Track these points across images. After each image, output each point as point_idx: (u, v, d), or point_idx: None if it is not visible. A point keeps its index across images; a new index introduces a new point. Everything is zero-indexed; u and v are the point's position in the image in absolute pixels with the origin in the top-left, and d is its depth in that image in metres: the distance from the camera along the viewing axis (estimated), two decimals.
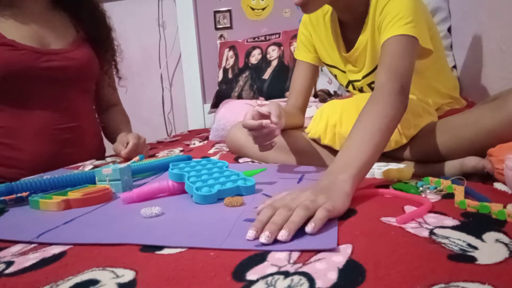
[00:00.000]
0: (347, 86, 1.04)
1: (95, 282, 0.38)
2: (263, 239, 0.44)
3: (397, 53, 0.75)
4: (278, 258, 0.40)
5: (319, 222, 0.47)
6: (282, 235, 0.44)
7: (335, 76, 1.06)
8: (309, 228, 0.46)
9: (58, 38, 1.14)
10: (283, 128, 0.82)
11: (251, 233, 0.46)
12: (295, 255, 0.41)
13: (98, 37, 1.24)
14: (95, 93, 1.29)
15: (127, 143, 1.06)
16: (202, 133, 1.76)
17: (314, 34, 1.03)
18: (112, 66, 1.31)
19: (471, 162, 0.70)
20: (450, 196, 0.60)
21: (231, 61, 2.03)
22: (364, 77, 0.95)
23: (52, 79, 1.08)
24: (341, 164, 0.60)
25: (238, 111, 1.47)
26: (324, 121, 0.85)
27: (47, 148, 1.07)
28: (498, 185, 0.64)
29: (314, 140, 0.89)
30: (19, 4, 1.10)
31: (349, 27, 0.94)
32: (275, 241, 0.44)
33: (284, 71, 1.89)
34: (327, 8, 0.98)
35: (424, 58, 0.84)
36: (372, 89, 0.96)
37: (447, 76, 1.04)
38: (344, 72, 1.01)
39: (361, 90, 1.00)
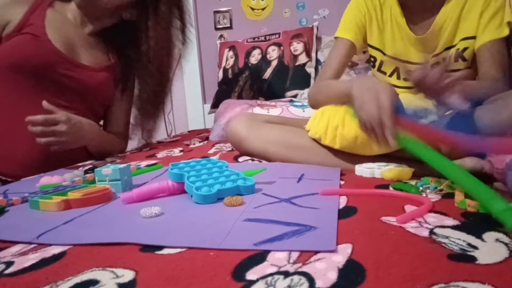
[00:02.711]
0: (391, 75, 1.05)
1: (95, 282, 0.38)
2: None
3: (504, 54, 0.93)
4: (278, 258, 0.40)
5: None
6: None
7: (381, 62, 1.06)
8: None
9: (88, 57, 1.17)
10: None
11: None
12: (295, 255, 0.41)
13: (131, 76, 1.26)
14: (105, 117, 1.30)
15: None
16: (202, 133, 1.76)
17: (370, 20, 1.05)
18: (131, 99, 1.32)
19: (470, 163, 0.70)
20: (450, 195, 0.60)
21: (231, 61, 2.03)
22: (433, 56, 0.99)
23: (64, 87, 1.10)
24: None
25: (238, 111, 1.48)
26: (325, 121, 0.85)
27: (42, 147, 1.06)
28: (498, 185, 0.64)
29: (314, 139, 0.89)
30: (82, 17, 1.16)
31: (416, 11, 0.99)
32: (273, 240, 0.44)
33: (284, 71, 1.89)
34: None
35: None
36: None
37: None
38: (396, 59, 1.03)
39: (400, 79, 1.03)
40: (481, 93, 0.79)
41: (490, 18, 0.92)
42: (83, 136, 1.08)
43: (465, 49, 0.95)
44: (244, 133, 0.97)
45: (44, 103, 0.99)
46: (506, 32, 0.92)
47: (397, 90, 1.01)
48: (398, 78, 1.04)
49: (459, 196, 0.56)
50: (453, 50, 0.96)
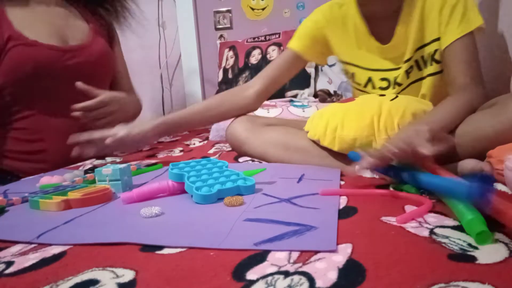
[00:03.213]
0: (365, 85, 1.03)
1: (95, 282, 0.38)
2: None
3: (472, 51, 0.86)
4: (278, 258, 0.40)
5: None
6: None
7: (353, 74, 1.05)
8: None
9: (74, 33, 1.15)
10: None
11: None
12: (295, 254, 0.41)
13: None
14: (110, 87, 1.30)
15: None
16: (202, 133, 1.76)
17: (331, 34, 1.03)
18: (119, 44, 1.31)
19: (469, 165, 0.70)
20: None
21: (231, 61, 2.03)
22: (405, 62, 0.96)
23: (75, 76, 1.08)
24: (424, 121, 0.73)
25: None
26: (324, 123, 0.85)
27: (69, 146, 1.06)
28: (498, 186, 0.64)
29: (313, 141, 0.89)
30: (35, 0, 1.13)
31: (378, 19, 0.96)
32: (274, 239, 0.44)
33: None
34: (345, 8, 1.00)
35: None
36: (407, 74, 0.97)
37: None
38: (366, 69, 1.01)
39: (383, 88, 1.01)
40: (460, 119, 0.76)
41: (449, 16, 0.87)
42: (128, 109, 1.11)
43: (435, 51, 0.92)
44: (244, 136, 0.97)
45: (79, 84, 1.00)
46: (470, 26, 0.85)
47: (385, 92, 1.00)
48: (373, 87, 1.02)
49: None
50: (425, 54, 0.94)
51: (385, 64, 0.99)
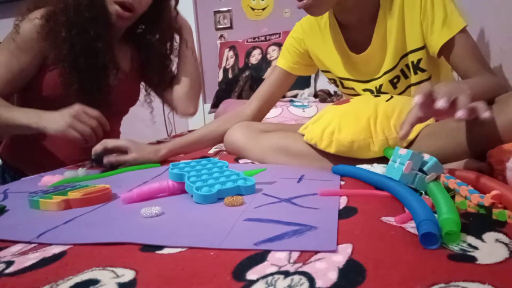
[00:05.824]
0: (353, 93, 1.04)
1: (95, 282, 0.38)
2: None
3: (468, 47, 0.85)
4: (278, 258, 0.40)
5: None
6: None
7: (341, 82, 1.05)
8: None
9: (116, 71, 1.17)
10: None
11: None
12: (295, 254, 0.41)
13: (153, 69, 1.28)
14: None
15: None
16: None
17: (311, 45, 1.05)
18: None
19: (469, 165, 0.70)
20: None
21: (231, 61, 2.03)
22: (386, 72, 0.96)
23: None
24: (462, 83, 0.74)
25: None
26: (321, 127, 0.85)
27: (76, 154, 1.13)
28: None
29: (309, 144, 0.89)
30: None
31: (353, 28, 0.96)
32: (274, 239, 0.44)
33: None
34: (325, 19, 1.02)
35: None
36: (393, 84, 0.97)
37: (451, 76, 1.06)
38: (346, 79, 1.02)
39: (376, 91, 1.00)
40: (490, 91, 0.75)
41: (430, 25, 0.87)
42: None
43: (419, 60, 0.92)
44: (242, 143, 0.97)
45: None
46: (452, 31, 0.85)
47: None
48: (372, 92, 1.03)
49: (459, 197, 0.56)
50: (409, 62, 0.94)
51: (362, 75, 1.00)
